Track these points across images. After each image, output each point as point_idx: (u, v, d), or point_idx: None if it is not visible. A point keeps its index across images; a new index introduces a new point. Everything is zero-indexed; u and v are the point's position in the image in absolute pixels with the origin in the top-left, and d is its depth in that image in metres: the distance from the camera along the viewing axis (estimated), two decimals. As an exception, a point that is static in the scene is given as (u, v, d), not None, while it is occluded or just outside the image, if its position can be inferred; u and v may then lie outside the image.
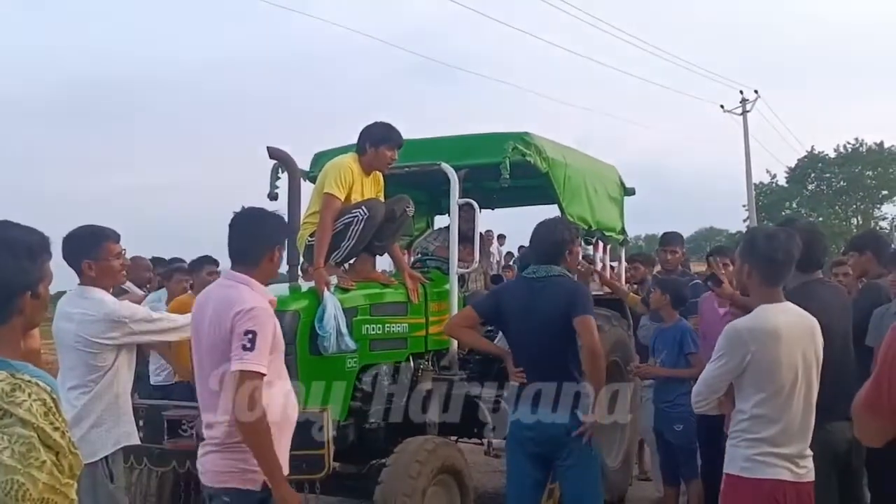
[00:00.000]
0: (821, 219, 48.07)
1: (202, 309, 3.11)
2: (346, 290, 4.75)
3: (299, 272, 5.00)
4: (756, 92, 32.01)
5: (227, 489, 3.04)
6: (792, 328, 3.08)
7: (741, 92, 32.15)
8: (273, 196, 5.68)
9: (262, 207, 3.28)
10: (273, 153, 5.40)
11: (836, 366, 3.40)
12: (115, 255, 3.66)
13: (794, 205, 49.22)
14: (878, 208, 48.51)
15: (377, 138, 4.88)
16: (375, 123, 4.95)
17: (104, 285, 3.63)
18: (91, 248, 3.59)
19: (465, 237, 5.57)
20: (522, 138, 5.41)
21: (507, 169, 5.20)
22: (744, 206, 40.96)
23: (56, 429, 1.72)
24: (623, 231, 6.99)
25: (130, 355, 3.68)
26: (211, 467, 3.08)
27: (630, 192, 7.21)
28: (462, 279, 5.55)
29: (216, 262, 6.21)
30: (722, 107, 32.31)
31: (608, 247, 6.94)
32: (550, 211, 6.48)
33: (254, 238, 3.13)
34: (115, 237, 3.68)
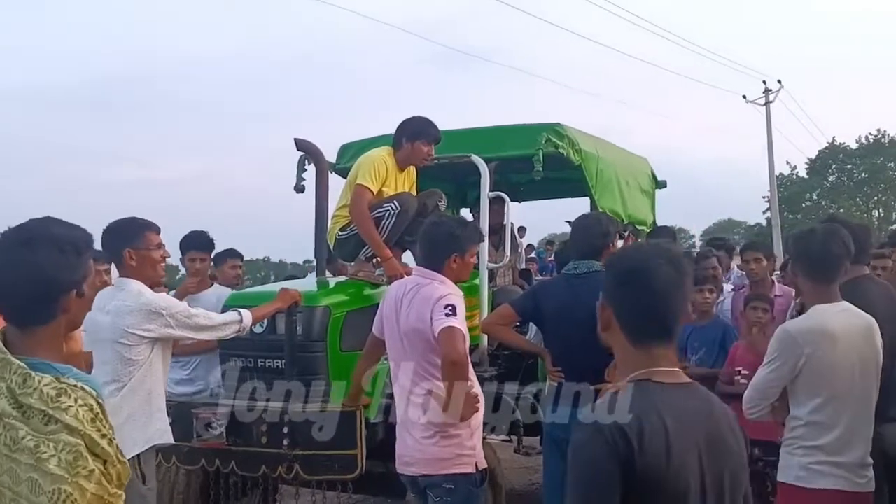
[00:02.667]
0: (841, 210, 47.65)
1: (397, 300, 3.56)
2: (376, 286, 4.67)
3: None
4: (780, 82, 31.66)
5: (448, 475, 3.41)
6: (849, 329, 2.96)
7: (764, 82, 31.80)
8: (300, 188, 5.58)
9: (442, 219, 3.88)
10: (300, 144, 5.32)
11: (887, 367, 3.28)
12: (155, 245, 3.60)
13: (815, 196, 48.87)
14: (901, 200, 48.00)
15: (414, 133, 4.77)
16: (413, 118, 4.84)
17: (144, 277, 3.56)
18: (133, 236, 3.54)
19: (494, 231, 5.47)
20: (555, 130, 5.28)
21: (541, 161, 5.08)
22: (763, 197, 40.73)
23: (103, 436, 1.65)
24: (654, 224, 6.86)
25: (166, 351, 3.59)
26: (427, 456, 3.43)
27: (662, 184, 7.07)
28: (491, 274, 5.45)
29: (240, 256, 6.13)
30: (744, 97, 31.95)
31: (639, 241, 6.81)
32: (575, 203, 6.42)
33: (434, 245, 3.61)
34: (156, 228, 3.63)
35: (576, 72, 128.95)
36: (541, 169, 5.10)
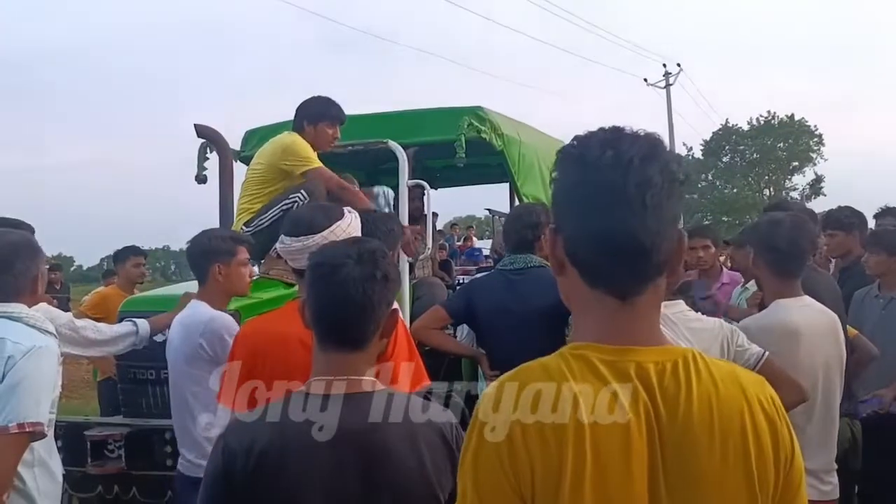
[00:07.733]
0: (735, 190, 49.34)
1: None
2: (290, 285, 4.27)
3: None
4: (679, 65, 32.34)
5: None
6: (812, 326, 2.75)
7: (664, 65, 32.42)
8: (201, 179, 5.15)
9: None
10: (201, 131, 4.91)
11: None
12: None
13: (710, 177, 50.29)
14: (790, 179, 49.97)
15: (315, 115, 4.37)
16: (312, 99, 4.45)
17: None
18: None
19: (413, 220, 5.18)
20: (477, 113, 5.02)
21: (463, 147, 4.80)
22: (662, 179, 41.46)
23: None
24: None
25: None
26: None
27: (581, 169, 6.88)
28: (410, 266, 5.14)
29: (143, 253, 5.67)
30: (645, 80, 32.52)
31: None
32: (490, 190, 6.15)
33: None
34: None
35: (476, 53, 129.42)
36: (463, 155, 4.82)
